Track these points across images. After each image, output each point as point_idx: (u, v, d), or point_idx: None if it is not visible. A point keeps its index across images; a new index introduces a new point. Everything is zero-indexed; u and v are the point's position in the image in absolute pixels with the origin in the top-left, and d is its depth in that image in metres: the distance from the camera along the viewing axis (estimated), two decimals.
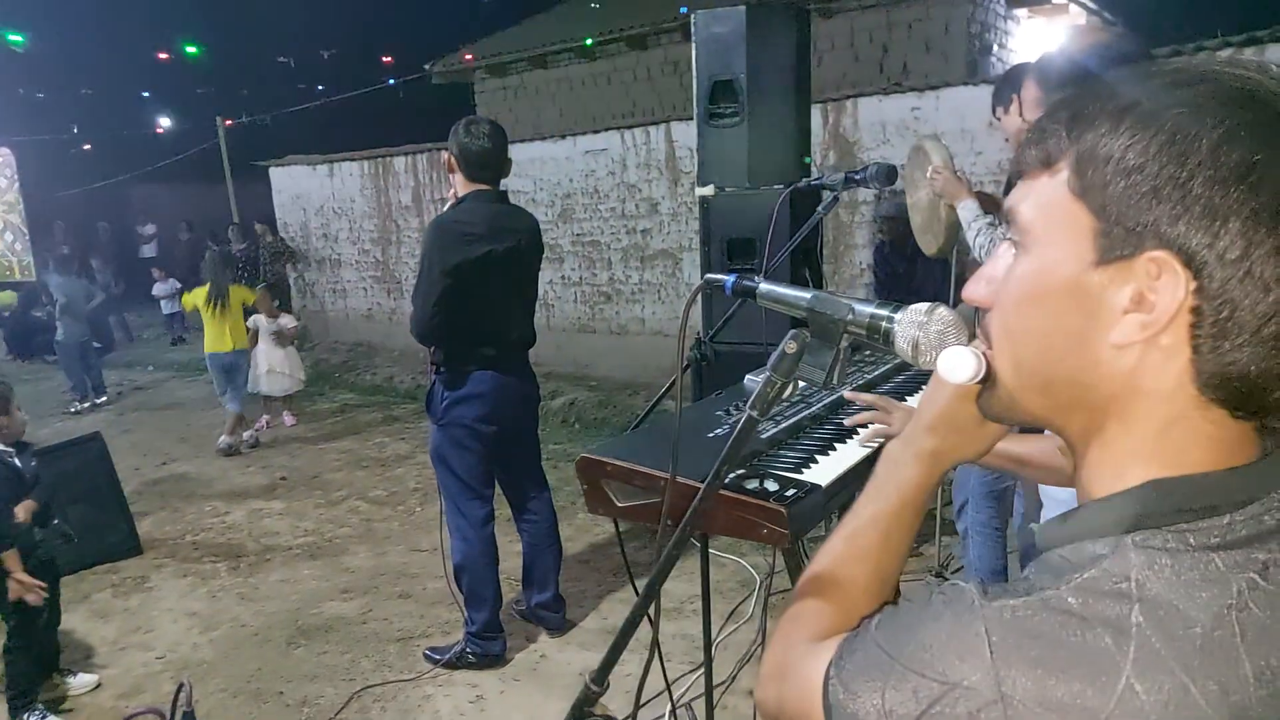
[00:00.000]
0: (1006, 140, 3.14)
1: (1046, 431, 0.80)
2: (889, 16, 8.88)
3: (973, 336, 0.76)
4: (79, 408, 7.78)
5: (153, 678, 3.26)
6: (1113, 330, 0.57)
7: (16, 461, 3.06)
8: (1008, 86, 3.11)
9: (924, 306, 0.78)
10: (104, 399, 8.09)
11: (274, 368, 6.57)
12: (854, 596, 0.79)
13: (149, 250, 17.67)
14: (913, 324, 0.78)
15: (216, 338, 6.16)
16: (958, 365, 0.70)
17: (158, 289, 11.91)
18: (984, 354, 0.69)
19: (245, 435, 6.33)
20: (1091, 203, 0.58)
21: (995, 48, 9.28)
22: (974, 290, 0.68)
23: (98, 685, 3.22)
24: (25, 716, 2.90)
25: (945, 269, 3.85)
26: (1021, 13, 9.90)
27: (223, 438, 6.22)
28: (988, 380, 0.69)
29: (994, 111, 2.88)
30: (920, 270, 4.94)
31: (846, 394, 1.75)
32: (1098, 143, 0.57)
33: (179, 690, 1.22)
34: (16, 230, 9.11)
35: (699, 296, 0.97)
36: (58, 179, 15.47)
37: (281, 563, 4.24)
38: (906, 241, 4.51)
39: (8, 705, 2.93)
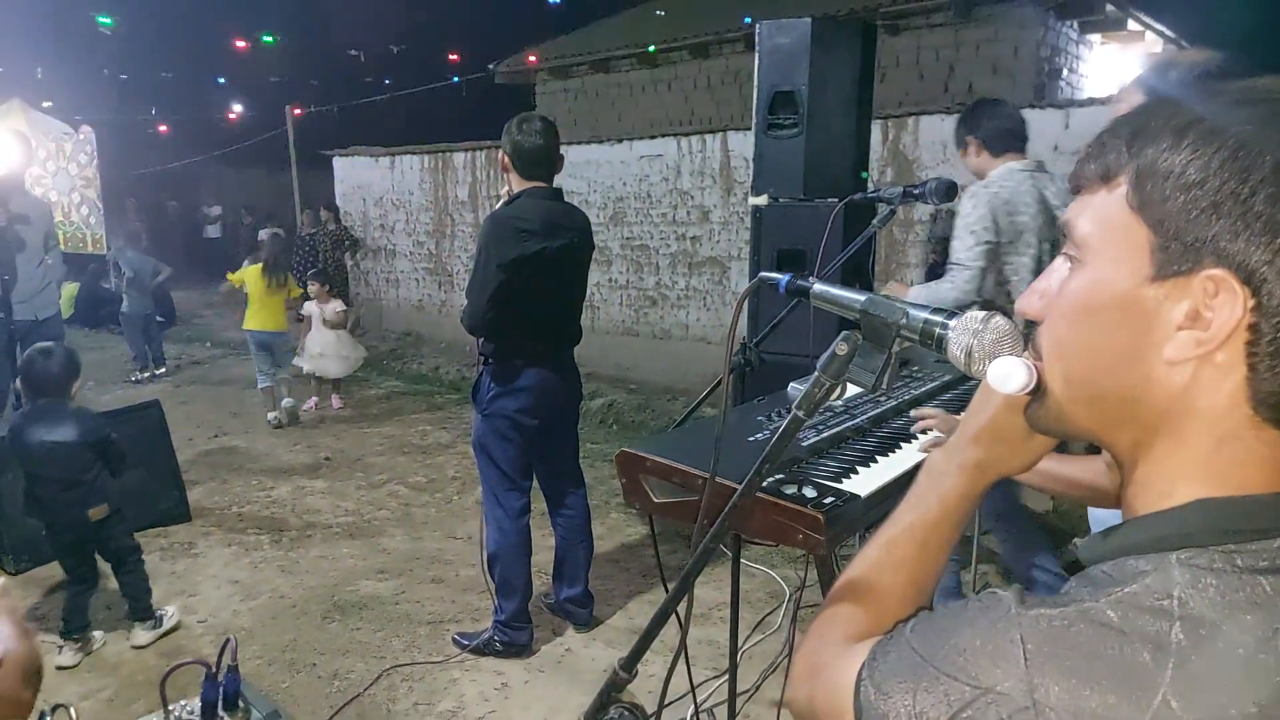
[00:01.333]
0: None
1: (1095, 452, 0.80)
2: (957, 36, 8.80)
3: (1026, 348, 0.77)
4: (139, 377, 8.04)
5: (194, 640, 3.36)
6: (1166, 346, 0.57)
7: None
8: (963, 128, 3.14)
9: (980, 315, 0.78)
10: (163, 370, 8.36)
11: (324, 351, 6.72)
12: (889, 603, 0.79)
13: (213, 231, 18.19)
14: (967, 331, 0.78)
15: (264, 315, 6.33)
16: (1008, 375, 0.70)
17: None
18: (1034, 366, 0.69)
19: (269, 417, 6.45)
20: (1149, 217, 0.58)
21: (1065, 72, 9.13)
22: (1027, 303, 0.69)
23: (176, 624, 3.44)
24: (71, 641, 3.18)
25: None
26: (1095, 38, 9.73)
27: (271, 414, 6.44)
28: (1037, 392, 0.69)
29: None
30: None
31: (914, 413, 1.76)
32: (1158, 157, 0.57)
33: (225, 644, 1.27)
34: (93, 205, 9.43)
35: (749, 297, 0.99)
36: (133, 158, 15.97)
37: (321, 539, 4.34)
38: None
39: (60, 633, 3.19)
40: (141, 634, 3.33)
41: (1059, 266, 0.66)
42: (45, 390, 3.25)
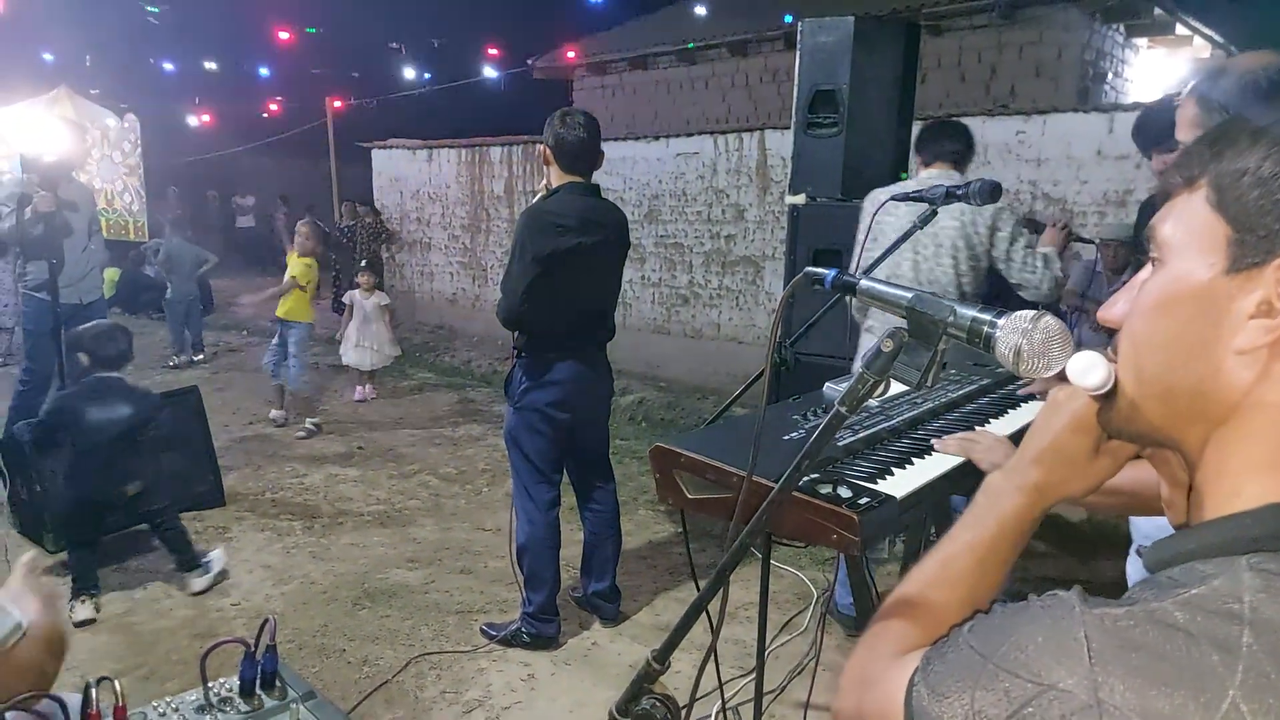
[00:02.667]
0: None
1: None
2: (1000, 38, 8.69)
3: (1076, 348, 0.76)
4: (176, 362, 8.20)
5: (226, 622, 3.41)
6: (1237, 336, 0.59)
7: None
8: None
9: (1029, 314, 0.78)
10: (200, 356, 8.52)
11: (361, 342, 6.79)
12: (943, 620, 0.77)
13: (246, 221, 18.45)
14: (1016, 331, 0.78)
15: (305, 306, 6.33)
16: (1090, 368, 0.70)
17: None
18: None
19: (273, 414, 6.27)
20: (1227, 213, 0.60)
21: (1110, 76, 8.98)
22: (1110, 311, 0.70)
23: (222, 574, 3.66)
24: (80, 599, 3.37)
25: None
26: (1141, 42, 9.56)
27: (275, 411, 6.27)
28: (1110, 395, 0.70)
29: None
30: (1015, 304, 4.83)
31: (935, 444, 1.73)
32: (1236, 158, 0.61)
33: (264, 624, 1.29)
34: (135, 192, 9.61)
35: (791, 294, 0.99)
36: (175, 146, 16.26)
37: (353, 527, 4.39)
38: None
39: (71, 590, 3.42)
40: (195, 581, 3.56)
41: (1141, 276, 0.68)
42: (104, 365, 3.44)
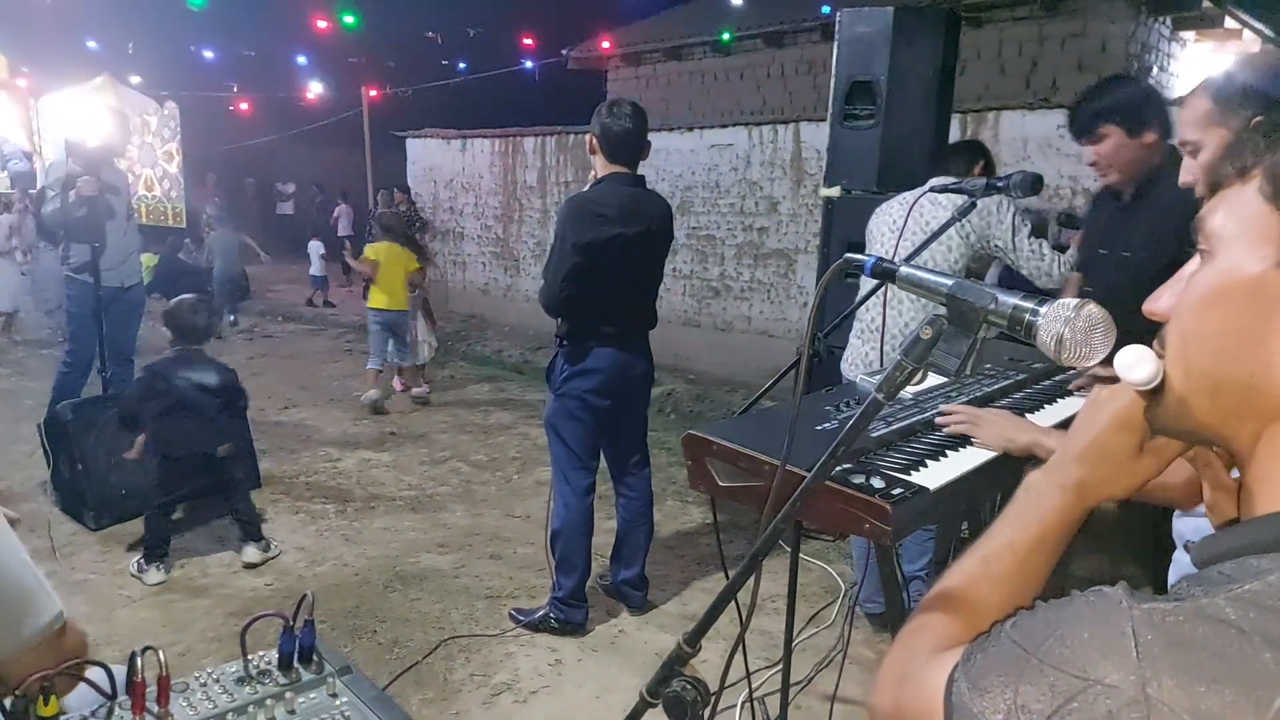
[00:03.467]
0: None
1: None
2: (1042, 30, 8.54)
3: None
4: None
5: (261, 602, 3.48)
6: None
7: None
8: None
9: (1072, 302, 0.77)
10: (233, 320, 8.82)
11: (421, 336, 6.87)
12: (984, 617, 0.76)
13: (286, 208, 18.70)
14: (1058, 319, 0.77)
15: (392, 294, 6.38)
16: (1137, 362, 0.68)
17: (313, 246, 12.17)
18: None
19: (367, 396, 6.34)
20: None
21: (1155, 70, 8.80)
22: (1157, 303, 0.69)
23: (275, 552, 3.83)
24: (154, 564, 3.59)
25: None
26: (1189, 35, 9.34)
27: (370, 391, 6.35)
28: (1157, 391, 0.69)
29: None
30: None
31: (942, 408, 1.74)
32: None
33: (302, 599, 1.31)
34: (174, 179, 9.77)
35: (825, 285, 0.98)
36: (213, 134, 16.50)
37: (385, 511, 4.45)
38: None
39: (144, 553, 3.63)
40: (253, 551, 3.76)
41: (1189, 267, 0.67)
42: (191, 338, 3.68)
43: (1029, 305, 0.80)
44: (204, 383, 3.63)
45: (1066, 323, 0.76)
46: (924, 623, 0.79)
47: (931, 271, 0.90)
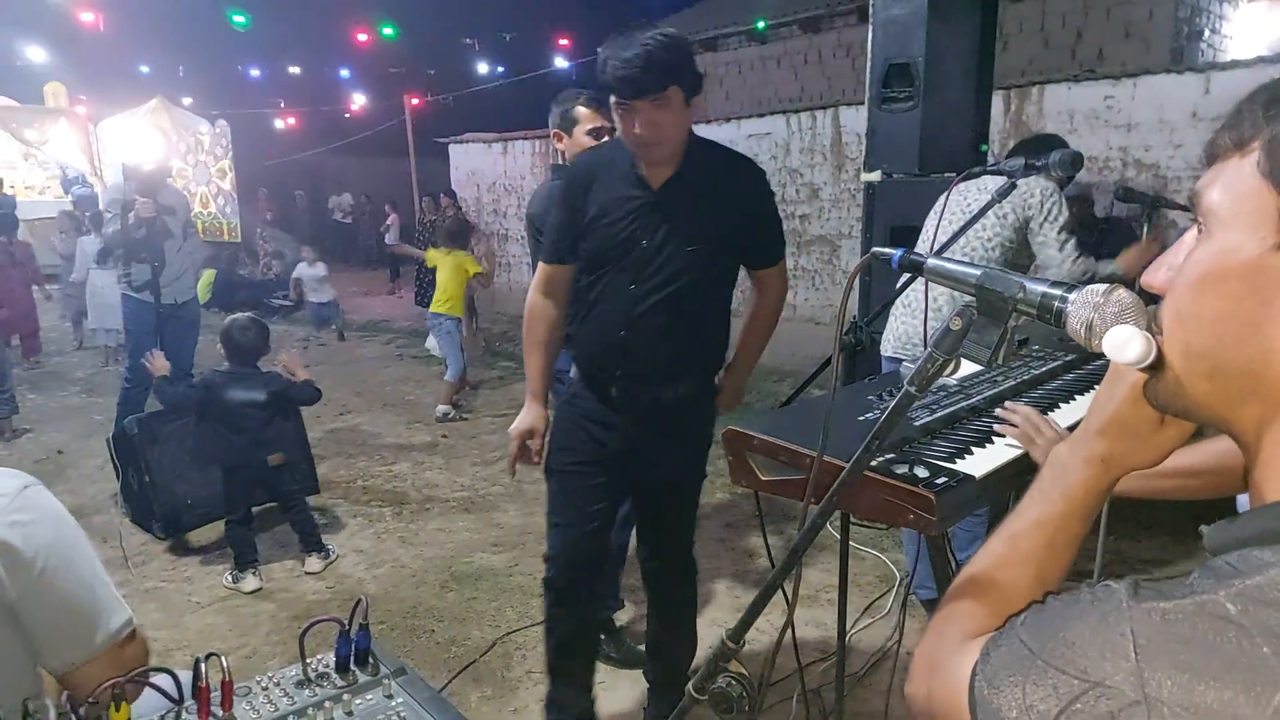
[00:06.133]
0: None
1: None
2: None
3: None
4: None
5: (323, 604, 3.57)
6: None
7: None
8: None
9: (1101, 287, 0.76)
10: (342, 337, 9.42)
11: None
12: (1012, 599, 0.77)
13: (342, 218, 19.07)
14: (1087, 305, 0.76)
15: (454, 299, 6.48)
16: (1125, 342, 0.68)
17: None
18: (1155, 339, 0.68)
19: (439, 410, 6.36)
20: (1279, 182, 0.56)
21: (1207, 33, 8.50)
22: (1154, 276, 0.67)
23: (335, 557, 3.95)
24: (248, 572, 3.73)
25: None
26: None
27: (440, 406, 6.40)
28: (1157, 367, 0.68)
29: None
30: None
31: (1001, 410, 1.68)
32: None
33: (357, 604, 1.35)
34: (228, 196, 10.04)
35: (860, 275, 0.98)
36: (263, 149, 16.91)
37: (439, 513, 4.53)
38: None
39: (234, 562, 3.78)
40: (315, 562, 3.87)
41: (1189, 239, 0.65)
42: (242, 357, 3.81)
43: (1058, 292, 0.79)
44: (252, 399, 3.74)
45: (1095, 308, 0.75)
46: (953, 609, 0.79)
47: (959, 262, 0.89)
